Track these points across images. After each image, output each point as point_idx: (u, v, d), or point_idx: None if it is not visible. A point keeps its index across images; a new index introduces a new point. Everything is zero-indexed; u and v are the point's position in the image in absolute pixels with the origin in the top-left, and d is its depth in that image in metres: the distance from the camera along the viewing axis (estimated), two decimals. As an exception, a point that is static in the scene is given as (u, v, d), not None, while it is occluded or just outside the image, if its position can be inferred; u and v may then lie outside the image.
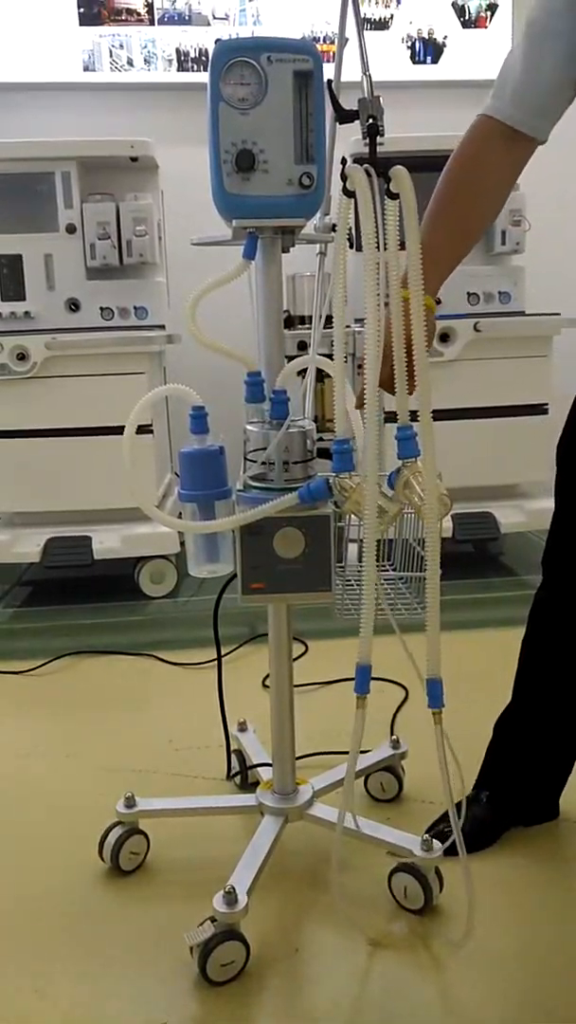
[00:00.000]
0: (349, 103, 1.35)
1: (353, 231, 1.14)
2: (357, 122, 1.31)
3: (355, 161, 1.08)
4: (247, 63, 1.14)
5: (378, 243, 1.02)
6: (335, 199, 1.28)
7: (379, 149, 1.31)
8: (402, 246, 1.09)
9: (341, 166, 1.05)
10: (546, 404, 3.06)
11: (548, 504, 3.17)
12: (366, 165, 1.04)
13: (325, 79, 1.17)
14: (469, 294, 3.10)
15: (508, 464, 3.10)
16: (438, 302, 1.27)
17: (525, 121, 1.26)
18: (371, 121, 1.16)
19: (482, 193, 1.33)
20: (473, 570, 3.19)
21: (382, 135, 1.16)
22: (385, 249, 1.06)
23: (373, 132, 1.14)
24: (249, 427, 1.25)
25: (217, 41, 1.15)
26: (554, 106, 1.26)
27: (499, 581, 3.11)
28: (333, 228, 1.45)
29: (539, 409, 3.06)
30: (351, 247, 1.13)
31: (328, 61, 1.20)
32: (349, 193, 1.05)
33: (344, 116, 1.22)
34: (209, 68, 1.15)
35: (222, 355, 1.29)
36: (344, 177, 1.06)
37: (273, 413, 1.25)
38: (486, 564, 3.31)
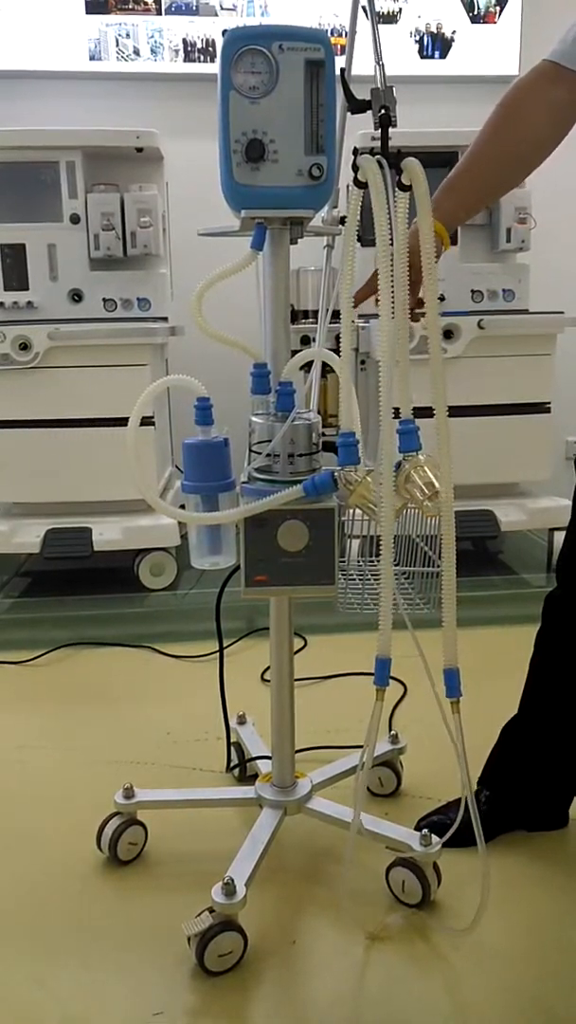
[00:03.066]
0: (359, 95, 1.34)
1: (360, 225, 1.13)
2: (367, 114, 1.30)
3: (365, 153, 1.07)
4: (258, 51, 1.13)
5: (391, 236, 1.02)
6: (343, 191, 1.28)
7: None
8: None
9: (353, 157, 1.04)
10: (548, 403, 3.05)
11: (549, 503, 3.19)
12: (378, 156, 1.03)
13: (337, 69, 1.16)
14: (473, 291, 3.09)
15: (509, 462, 3.10)
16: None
17: (571, 54, 1.27)
18: (383, 112, 1.15)
19: (518, 127, 1.34)
20: (473, 568, 3.19)
21: (395, 126, 1.15)
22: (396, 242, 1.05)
23: (385, 123, 1.14)
24: (254, 419, 1.24)
25: (225, 31, 1.14)
26: None
27: (498, 579, 3.11)
28: (341, 221, 1.44)
29: (541, 408, 3.05)
30: (358, 241, 1.12)
31: (338, 54, 1.19)
32: (361, 184, 1.05)
33: (356, 106, 1.21)
34: (219, 56, 1.14)
35: (227, 347, 1.28)
36: (356, 168, 1.05)
37: (279, 405, 1.24)
38: (486, 562, 3.31)
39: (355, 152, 1.05)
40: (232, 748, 1.84)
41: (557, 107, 1.31)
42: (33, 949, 1.34)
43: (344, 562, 1.55)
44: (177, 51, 3.45)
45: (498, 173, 1.37)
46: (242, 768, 1.80)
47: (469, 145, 1.33)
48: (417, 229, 1.19)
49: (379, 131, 1.15)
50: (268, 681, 1.48)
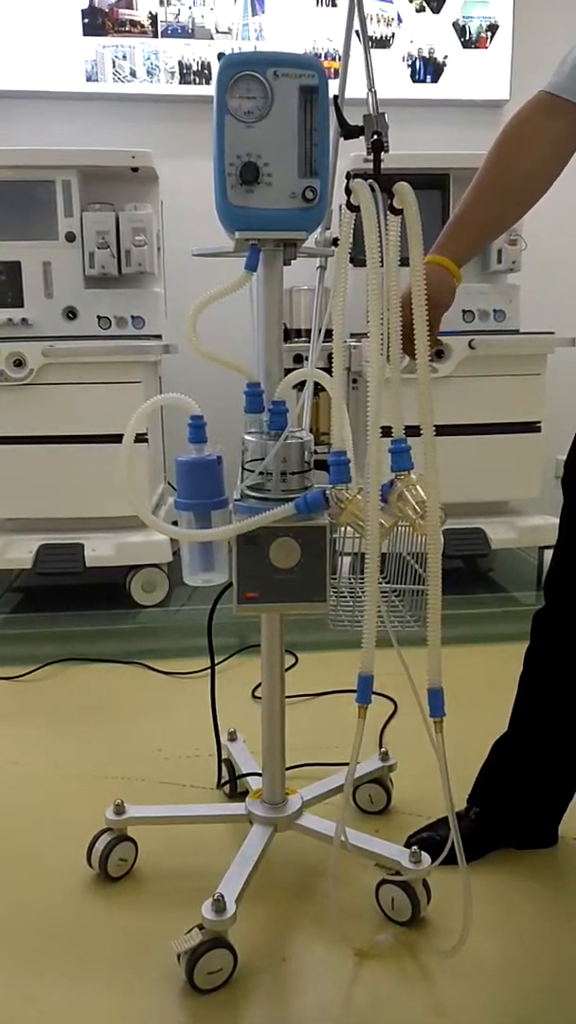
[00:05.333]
0: (352, 119, 1.36)
1: (353, 246, 1.15)
2: (360, 138, 1.32)
3: (357, 176, 1.09)
4: (253, 77, 1.15)
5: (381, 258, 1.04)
6: (335, 213, 1.30)
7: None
8: (404, 262, 1.10)
9: (346, 181, 1.06)
10: (539, 422, 3.08)
11: (539, 521, 3.21)
12: (370, 180, 1.05)
13: (331, 95, 1.18)
14: (464, 312, 3.12)
15: (500, 481, 3.11)
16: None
17: (568, 86, 1.29)
18: (376, 137, 1.17)
19: (519, 161, 1.34)
20: (463, 586, 3.21)
21: (387, 151, 1.17)
22: (386, 264, 1.07)
23: (378, 148, 1.16)
24: (248, 437, 1.25)
25: (221, 55, 1.17)
26: None
27: (489, 597, 3.13)
28: (334, 242, 1.46)
29: (532, 427, 3.08)
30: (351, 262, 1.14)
31: (331, 78, 1.21)
32: (353, 208, 1.07)
33: (349, 132, 1.23)
34: (215, 81, 1.16)
35: (221, 366, 1.30)
36: (348, 192, 1.07)
37: (272, 424, 1.25)
38: (476, 580, 3.32)
39: (348, 176, 1.07)
40: (223, 764, 1.84)
41: (557, 138, 1.32)
42: (22, 965, 1.34)
43: (335, 579, 1.56)
44: (173, 73, 3.49)
45: (502, 206, 1.37)
46: (232, 784, 1.80)
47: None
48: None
49: (371, 155, 1.17)
50: (259, 698, 1.49)
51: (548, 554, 1.54)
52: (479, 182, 1.36)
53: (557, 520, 1.48)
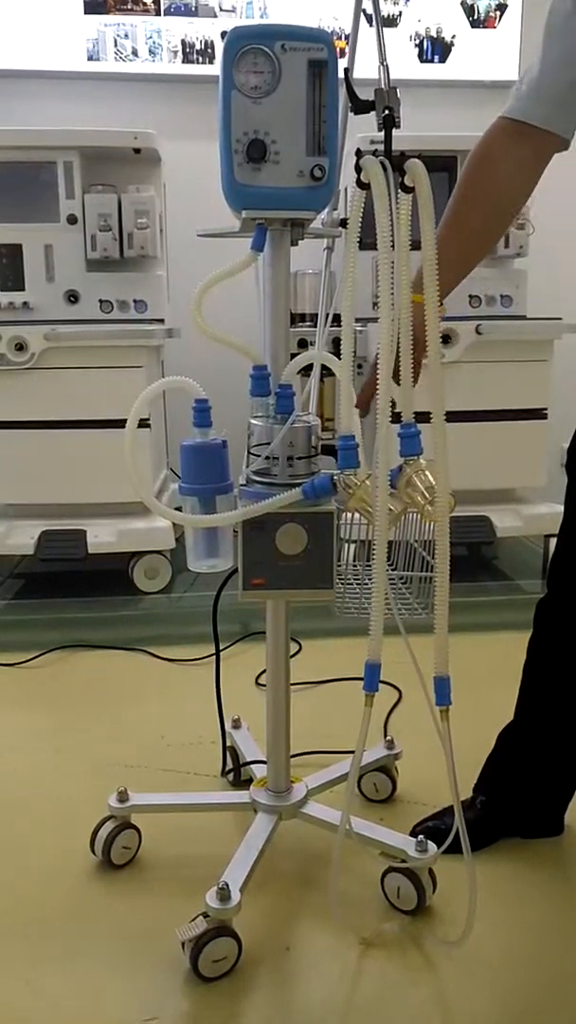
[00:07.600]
0: (359, 97, 1.33)
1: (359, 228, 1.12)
2: (366, 117, 1.29)
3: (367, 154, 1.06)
4: (261, 51, 1.12)
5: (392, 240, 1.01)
6: (342, 193, 1.27)
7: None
8: (415, 246, 1.08)
9: (356, 158, 1.03)
10: (545, 409, 3.05)
11: (544, 509, 3.19)
12: (381, 157, 1.03)
13: (341, 69, 1.15)
14: (471, 297, 3.09)
15: (505, 468, 3.09)
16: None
17: (533, 112, 1.27)
18: (387, 112, 1.14)
19: (490, 191, 1.33)
20: (468, 574, 3.19)
21: (399, 127, 1.14)
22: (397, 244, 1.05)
23: (389, 124, 1.13)
24: (253, 421, 1.23)
25: (224, 33, 1.14)
26: (567, 101, 1.26)
27: (493, 585, 3.11)
28: (342, 223, 1.43)
29: (538, 414, 3.05)
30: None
31: (340, 56, 1.18)
32: (363, 186, 1.04)
33: (360, 107, 1.20)
34: (222, 55, 1.13)
35: (227, 348, 1.27)
36: (358, 169, 1.04)
37: (278, 408, 1.23)
38: (481, 568, 3.30)
39: (357, 153, 1.04)
40: (227, 752, 1.83)
41: (523, 164, 1.32)
42: (26, 953, 1.33)
43: (340, 566, 1.54)
44: (176, 52, 3.44)
45: (477, 238, 1.37)
46: (236, 772, 1.79)
47: (462, 148, 1.32)
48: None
49: (381, 132, 1.14)
50: (263, 685, 1.47)
51: (554, 542, 1.52)
52: (450, 218, 1.35)
53: (562, 508, 1.46)
